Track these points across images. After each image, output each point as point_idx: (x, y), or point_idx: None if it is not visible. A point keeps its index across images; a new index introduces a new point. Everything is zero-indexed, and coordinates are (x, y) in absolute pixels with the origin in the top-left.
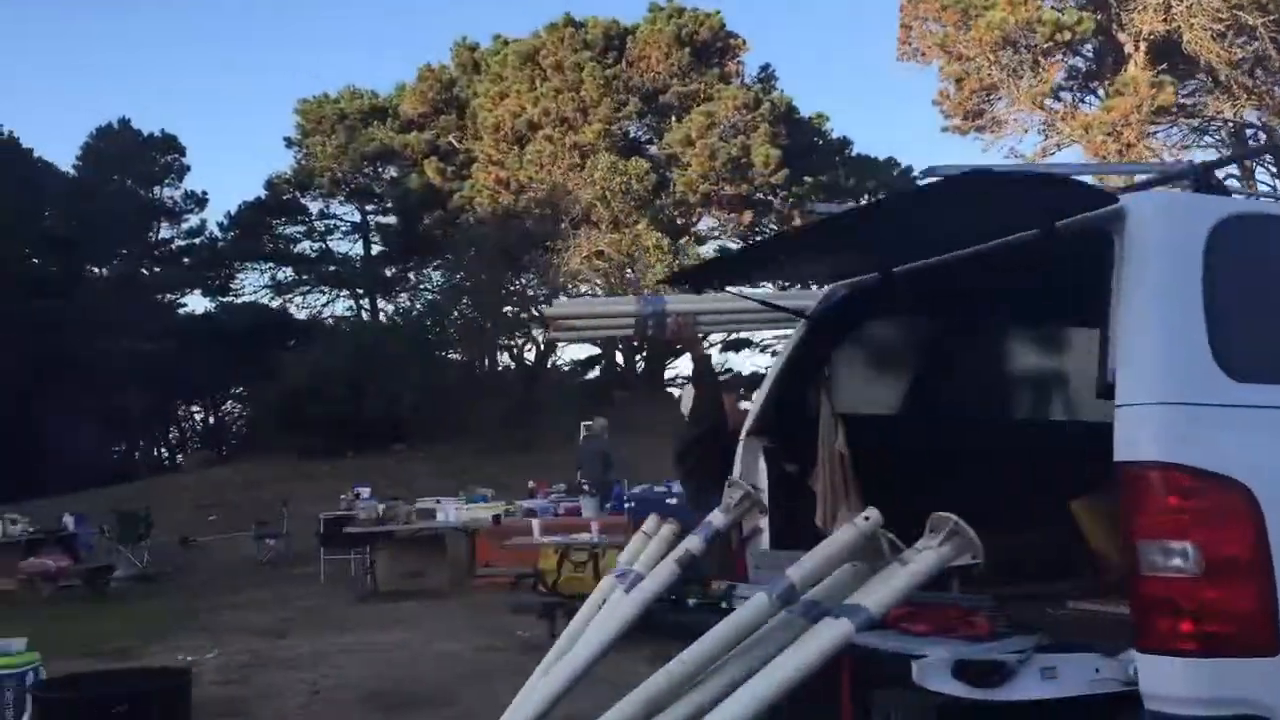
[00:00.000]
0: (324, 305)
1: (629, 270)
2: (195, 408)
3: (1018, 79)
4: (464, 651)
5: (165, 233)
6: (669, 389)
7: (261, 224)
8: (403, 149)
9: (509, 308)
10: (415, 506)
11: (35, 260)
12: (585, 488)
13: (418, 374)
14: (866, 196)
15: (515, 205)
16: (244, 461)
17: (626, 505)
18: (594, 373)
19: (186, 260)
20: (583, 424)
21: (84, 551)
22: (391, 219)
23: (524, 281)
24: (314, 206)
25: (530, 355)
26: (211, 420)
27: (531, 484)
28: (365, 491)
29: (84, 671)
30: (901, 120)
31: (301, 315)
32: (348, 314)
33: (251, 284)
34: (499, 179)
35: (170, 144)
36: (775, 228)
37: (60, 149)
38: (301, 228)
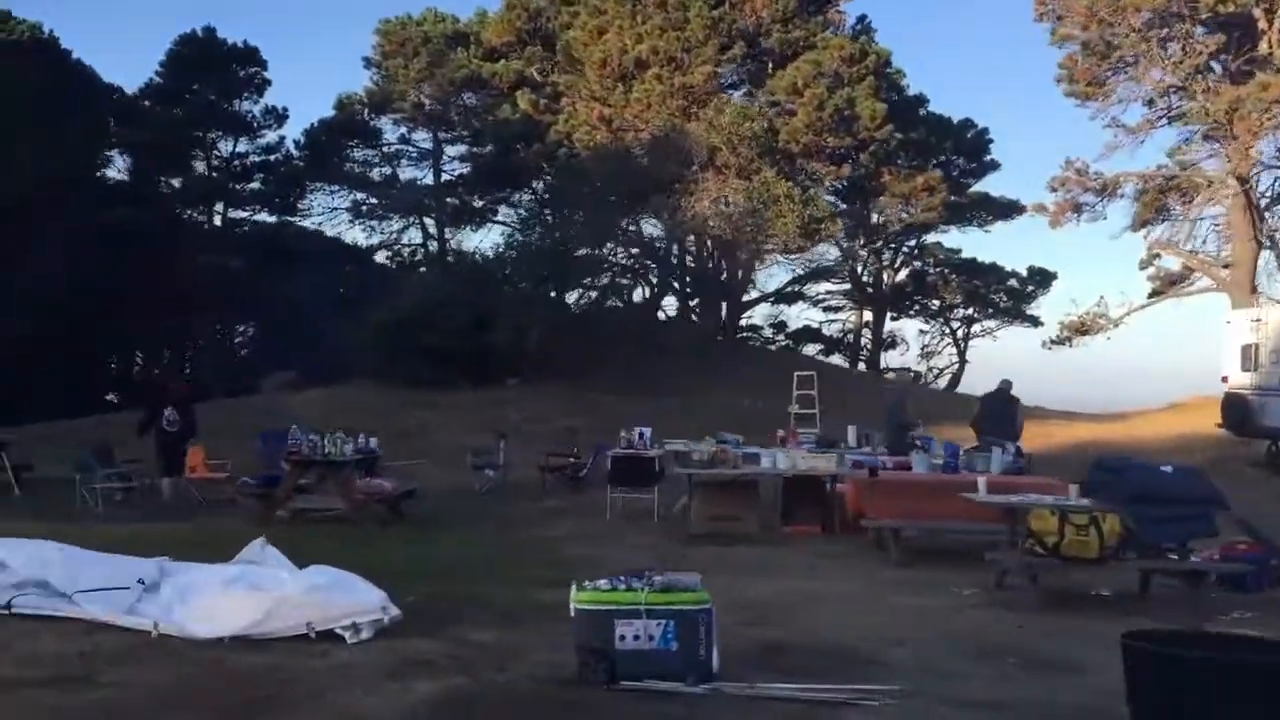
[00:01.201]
0: (399, 232)
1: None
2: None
3: (1163, 50)
4: (938, 607)
5: (242, 147)
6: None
7: (333, 145)
8: (490, 78)
9: (634, 248)
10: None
11: (106, 172)
12: (991, 442)
13: (539, 307)
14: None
15: (618, 143)
16: (340, 387)
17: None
18: None
19: (260, 177)
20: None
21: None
22: (477, 148)
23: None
24: (390, 131)
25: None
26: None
27: (781, 433)
28: (646, 431)
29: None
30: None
31: (373, 241)
32: (415, 243)
33: (320, 205)
34: (601, 115)
35: (251, 56)
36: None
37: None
38: (373, 152)
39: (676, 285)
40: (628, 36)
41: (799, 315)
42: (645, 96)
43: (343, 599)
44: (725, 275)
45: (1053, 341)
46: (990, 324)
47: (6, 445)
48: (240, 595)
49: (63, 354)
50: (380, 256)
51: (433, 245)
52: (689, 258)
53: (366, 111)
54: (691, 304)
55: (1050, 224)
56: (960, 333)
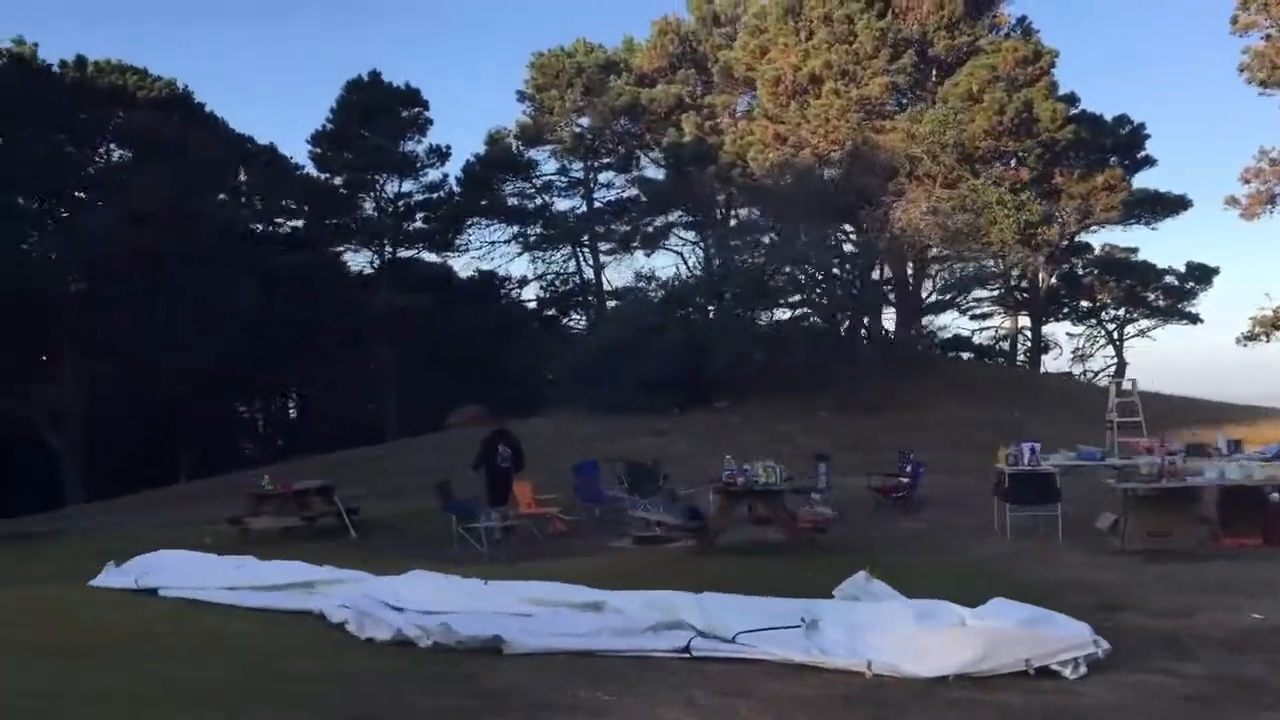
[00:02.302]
0: (564, 261)
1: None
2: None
3: None
4: None
5: (407, 186)
6: None
7: (489, 180)
8: (649, 103)
9: (832, 264)
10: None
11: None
12: None
13: (738, 328)
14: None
15: (794, 160)
16: (541, 419)
17: None
18: None
19: (422, 215)
20: None
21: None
22: (641, 173)
23: (843, 238)
24: (545, 163)
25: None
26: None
27: (1144, 442)
28: (1036, 446)
29: None
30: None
31: (529, 272)
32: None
33: (477, 239)
34: (776, 134)
35: (414, 98)
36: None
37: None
38: (528, 184)
39: (874, 299)
40: (794, 53)
41: (952, 324)
42: (823, 111)
43: (1054, 633)
44: (920, 288)
45: (1246, 338)
46: (1145, 323)
47: (333, 488)
48: (948, 632)
49: (253, 394)
50: (535, 288)
51: (588, 273)
52: (886, 270)
53: (519, 145)
54: (883, 318)
55: (1244, 216)
56: (1115, 334)
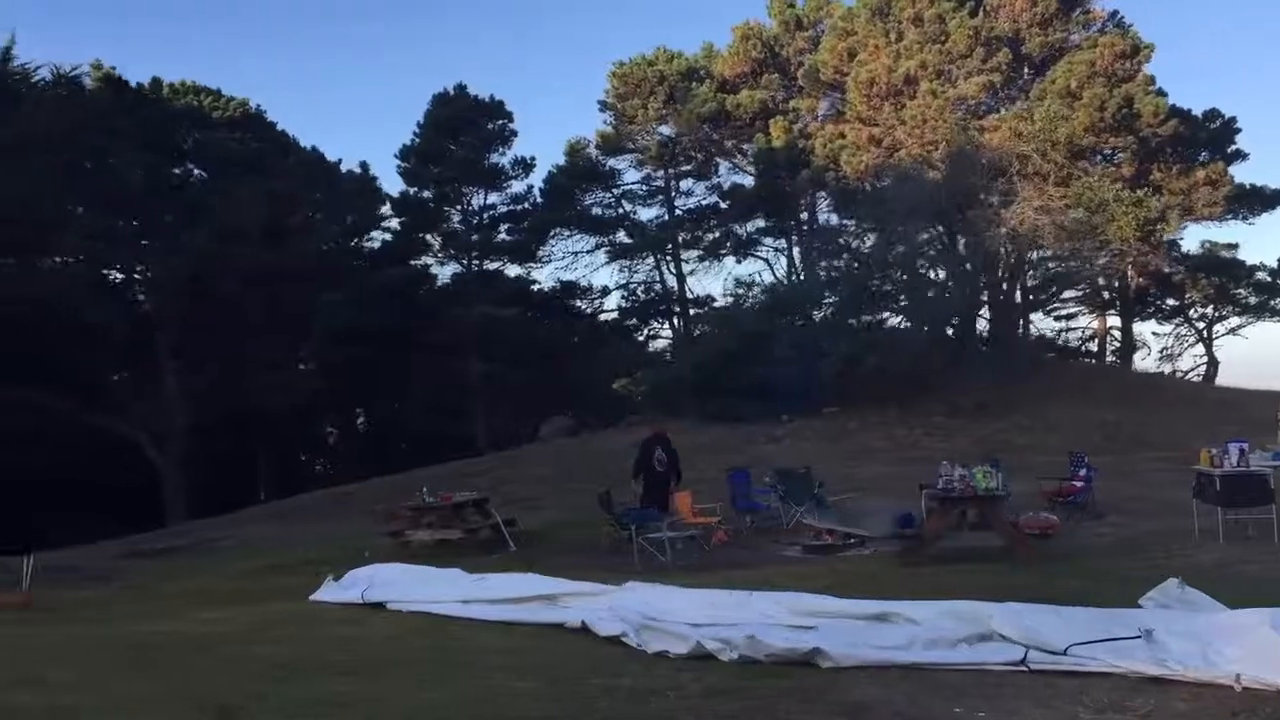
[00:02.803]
0: (649, 271)
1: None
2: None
3: None
4: None
5: (492, 199)
6: None
7: (571, 190)
8: (735, 109)
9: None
10: None
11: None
12: None
13: (853, 334)
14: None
15: (893, 161)
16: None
17: None
18: None
19: (506, 227)
20: None
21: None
22: (727, 180)
23: (949, 239)
24: (628, 171)
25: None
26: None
27: None
28: (1244, 444)
29: None
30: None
31: (611, 282)
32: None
33: (560, 250)
34: (871, 137)
35: (499, 109)
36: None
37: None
38: (608, 194)
39: (980, 301)
40: (885, 55)
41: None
42: (920, 112)
43: None
44: (1025, 288)
45: None
46: (1235, 320)
47: (488, 500)
48: None
49: (356, 406)
50: (616, 298)
51: (670, 282)
52: (999, 272)
53: (599, 154)
54: (981, 319)
55: None
56: (1204, 332)
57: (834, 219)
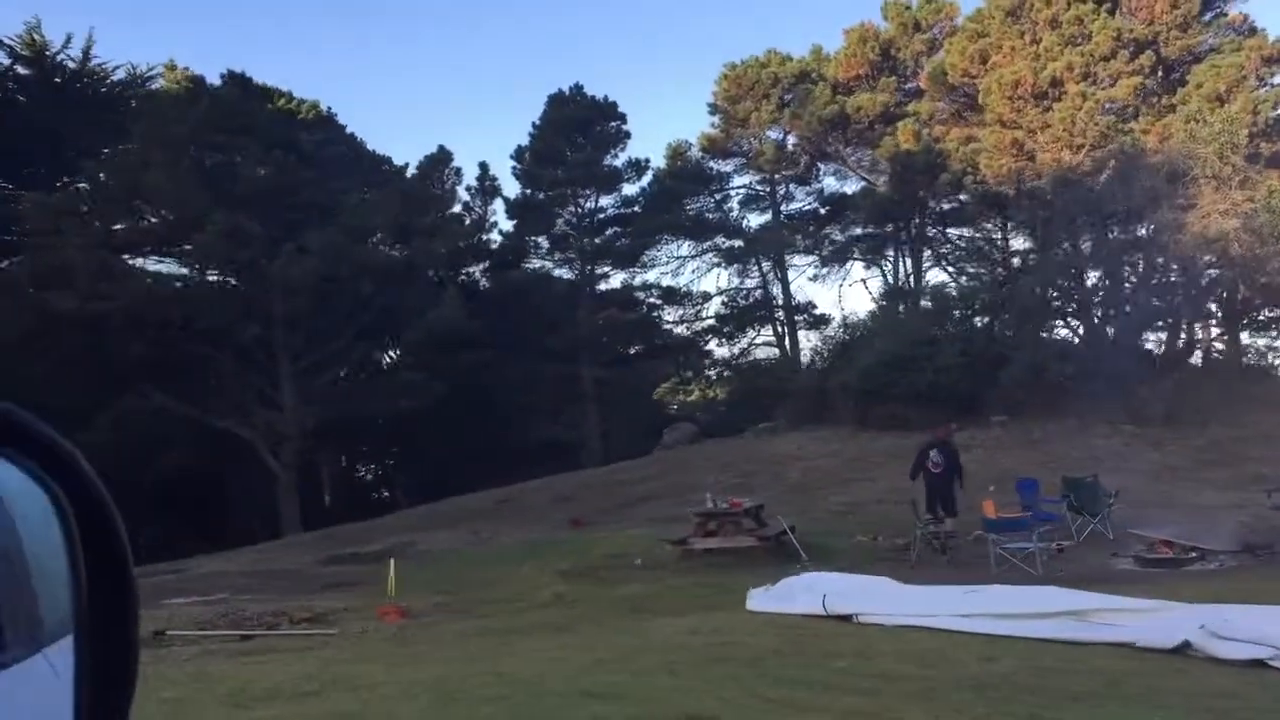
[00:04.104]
0: (763, 275)
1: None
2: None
3: None
4: None
5: (604, 201)
6: None
7: (677, 194)
8: (854, 112)
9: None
10: None
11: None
12: None
13: (1033, 342)
14: None
15: (1031, 166)
16: (800, 434)
17: None
18: None
19: (611, 230)
20: None
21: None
22: (844, 185)
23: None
24: (737, 175)
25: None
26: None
27: None
28: None
29: None
30: None
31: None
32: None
33: (665, 255)
34: (1014, 141)
35: (612, 110)
36: None
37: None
38: (712, 197)
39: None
40: (1021, 57)
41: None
42: (1070, 115)
43: None
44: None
45: None
46: None
47: (762, 507)
48: None
49: (467, 409)
50: (718, 303)
51: (774, 289)
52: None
53: (705, 157)
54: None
55: None
56: None
57: (966, 225)
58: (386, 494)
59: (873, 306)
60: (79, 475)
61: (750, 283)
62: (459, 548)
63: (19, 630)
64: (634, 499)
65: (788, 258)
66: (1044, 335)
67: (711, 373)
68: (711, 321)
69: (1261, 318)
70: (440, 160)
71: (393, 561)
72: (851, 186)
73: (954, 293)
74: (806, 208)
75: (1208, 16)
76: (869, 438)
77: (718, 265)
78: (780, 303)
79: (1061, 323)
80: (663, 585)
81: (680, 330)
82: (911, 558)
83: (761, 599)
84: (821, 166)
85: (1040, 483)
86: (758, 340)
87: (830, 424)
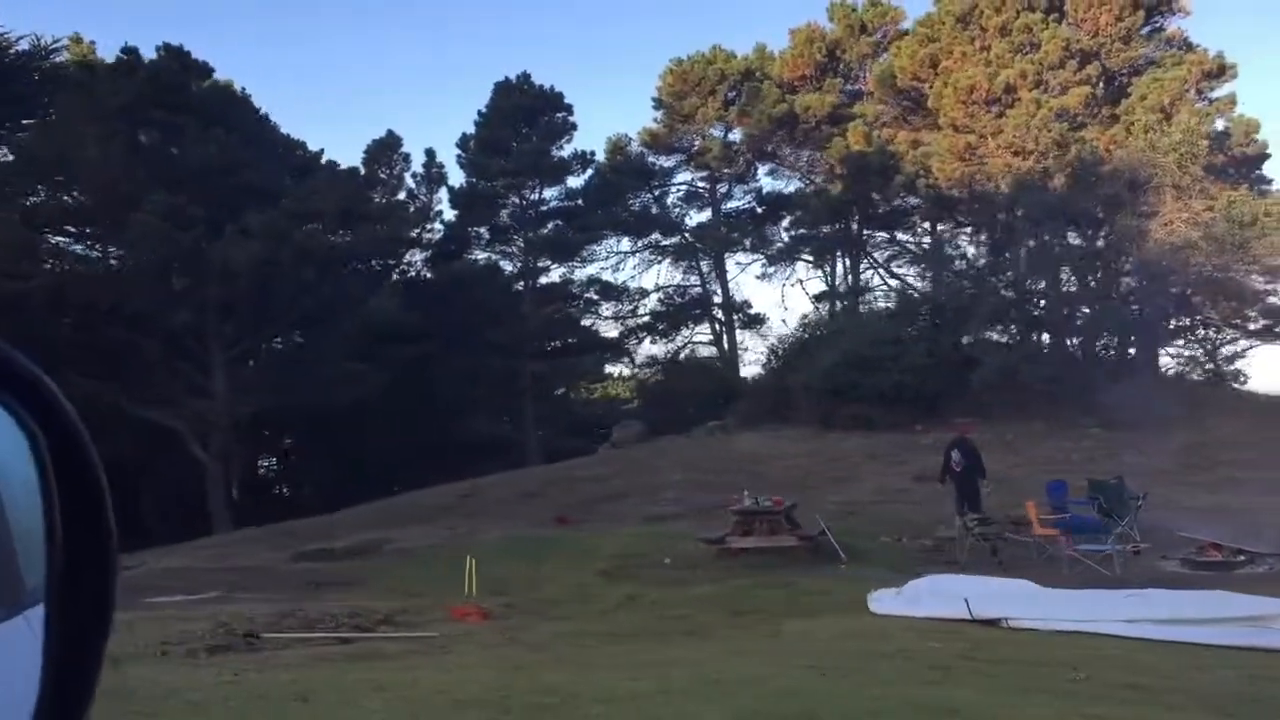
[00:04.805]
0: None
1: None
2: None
3: None
4: None
5: (546, 193)
6: None
7: (617, 188)
8: (803, 112)
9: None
10: None
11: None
12: None
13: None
14: None
15: (984, 172)
16: (750, 434)
17: None
18: None
19: (554, 224)
20: None
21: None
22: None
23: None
24: (679, 171)
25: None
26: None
27: None
28: None
29: None
30: None
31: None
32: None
33: (605, 250)
34: (968, 145)
35: (558, 101)
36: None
37: None
38: (651, 193)
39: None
40: (973, 63)
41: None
42: (1025, 121)
43: None
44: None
45: None
46: None
47: (795, 505)
48: None
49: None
50: (655, 300)
51: (713, 287)
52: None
53: (646, 153)
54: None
55: None
56: None
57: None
58: (307, 489)
59: (810, 308)
60: (59, 417)
61: (689, 280)
62: (438, 544)
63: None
64: (601, 497)
65: (727, 256)
66: (1015, 340)
67: (647, 370)
68: (647, 318)
69: (1218, 326)
70: (389, 145)
71: (472, 561)
72: (789, 187)
73: (917, 295)
74: (744, 206)
75: (1146, 30)
76: (836, 437)
77: (656, 261)
78: (719, 301)
79: (1026, 327)
80: (727, 586)
81: (617, 326)
82: (960, 558)
83: (890, 602)
84: (759, 166)
85: (1067, 485)
86: (694, 338)
87: (792, 423)
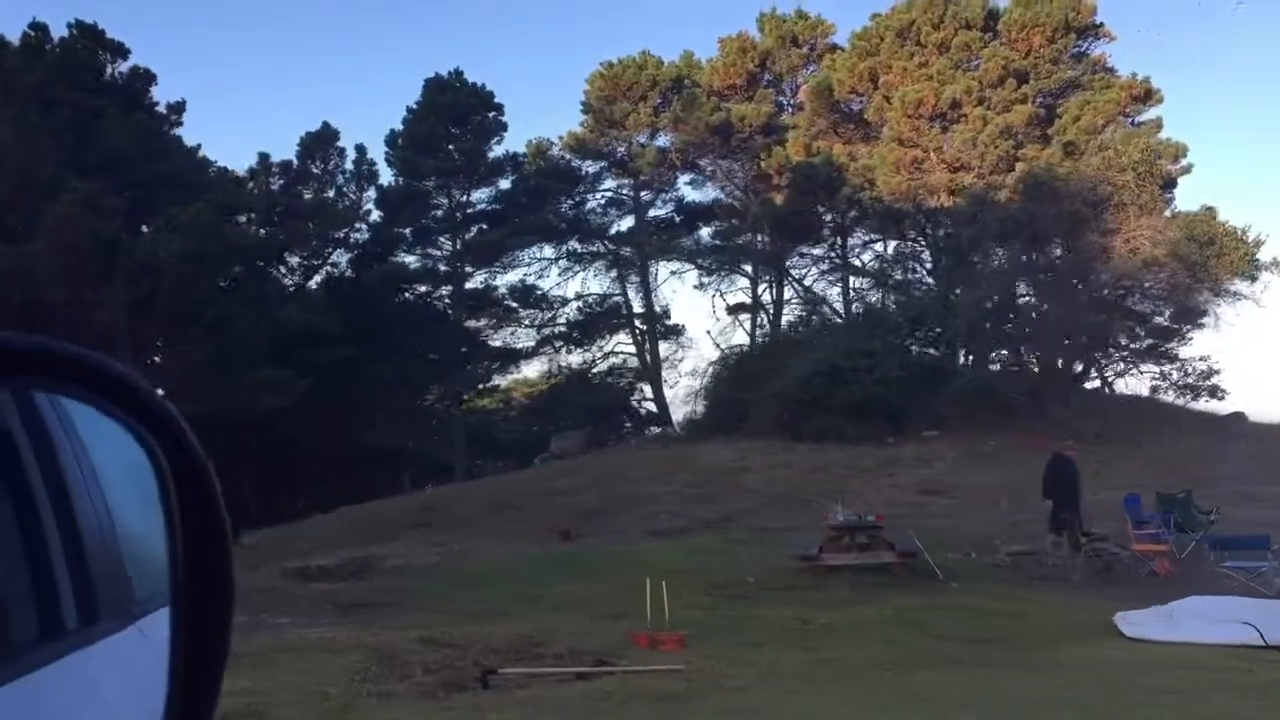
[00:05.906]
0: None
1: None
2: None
3: None
4: None
5: (474, 195)
6: None
7: (541, 193)
8: (739, 121)
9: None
10: None
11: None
12: None
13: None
14: None
15: (927, 186)
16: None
17: None
18: None
19: (477, 228)
20: None
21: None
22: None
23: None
24: (605, 177)
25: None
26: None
27: None
28: None
29: None
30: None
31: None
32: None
33: (529, 256)
34: (914, 159)
35: (488, 101)
36: None
37: None
38: (576, 198)
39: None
40: (914, 78)
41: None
42: (972, 137)
43: None
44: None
45: None
46: None
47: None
48: None
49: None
50: (574, 309)
51: (629, 296)
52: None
53: (571, 157)
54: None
55: None
56: None
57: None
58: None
59: (742, 318)
60: (177, 436)
61: (611, 288)
62: (437, 563)
63: (112, 603)
64: (582, 511)
65: (652, 265)
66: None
67: (560, 379)
68: (563, 328)
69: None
70: (324, 138)
71: (663, 584)
72: (708, 196)
73: (893, 307)
74: (665, 215)
75: (1073, 54)
76: (808, 449)
77: (577, 270)
78: (641, 310)
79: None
80: (887, 606)
81: (535, 335)
82: (1074, 578)
83: (1150, 627)
84: (680, 175)
85: (1141, 499)
86: (614, 347)
87: (750, 435)
